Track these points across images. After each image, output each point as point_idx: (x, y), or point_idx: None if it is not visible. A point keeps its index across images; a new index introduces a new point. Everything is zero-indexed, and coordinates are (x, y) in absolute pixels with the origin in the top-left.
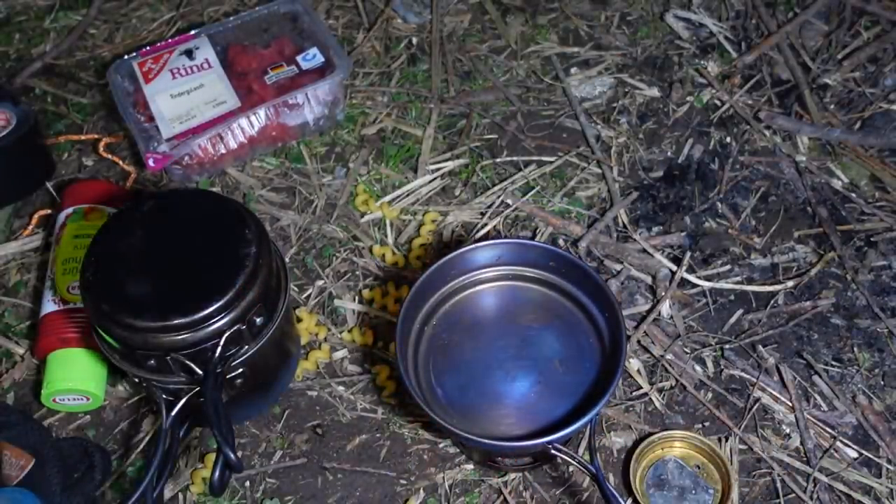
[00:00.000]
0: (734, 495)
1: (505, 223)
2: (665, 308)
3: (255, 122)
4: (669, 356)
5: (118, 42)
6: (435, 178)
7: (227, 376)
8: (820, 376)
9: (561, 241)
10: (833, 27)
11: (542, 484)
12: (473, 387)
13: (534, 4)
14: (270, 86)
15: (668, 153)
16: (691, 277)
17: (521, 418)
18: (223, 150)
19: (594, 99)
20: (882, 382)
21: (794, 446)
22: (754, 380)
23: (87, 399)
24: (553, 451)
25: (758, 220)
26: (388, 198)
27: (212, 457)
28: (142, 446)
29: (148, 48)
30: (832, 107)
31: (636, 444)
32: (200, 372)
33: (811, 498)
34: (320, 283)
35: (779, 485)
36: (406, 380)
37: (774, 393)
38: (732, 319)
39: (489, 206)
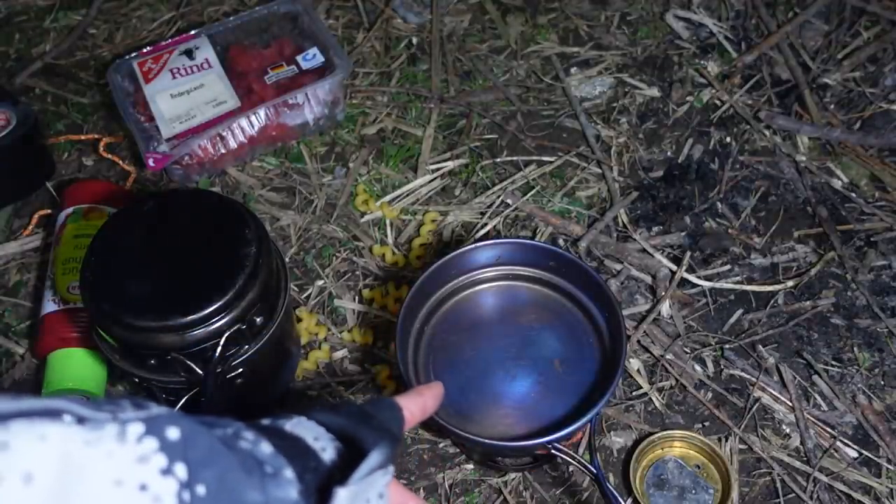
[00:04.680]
0: (734, 495)
1: (505, 223)
2: (665, 308)
3: (255, 122)
4: (669, 356)
5: (118, 42)
6: (435, 178)
7: (227, 376)
8: (820, 376)
9: (561, 241)
10: (833, 27)
11: (542, 484)
12: (473, 387)
13: (534, 4)
14: (270, 86)
15: (668, 153)
16: (691, 277)
17: (521, 418)
18: (223, 150)
19: (594, 99)
20: (882, 382)
21: (794, 446)
22: (754, 380)
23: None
24: (553, 451)
25: (758, 220)
26: (388, 198)
27: None
28: None
29: (148, 48)
30: (832, 107)
31: (636, 444)
32: (200, 372)
33: (811, 498)
34: (320, 283)
35: (779, 485)
36: (406, 380)
37: (774, 393)
38: (732, 319)
39: (489, 206)
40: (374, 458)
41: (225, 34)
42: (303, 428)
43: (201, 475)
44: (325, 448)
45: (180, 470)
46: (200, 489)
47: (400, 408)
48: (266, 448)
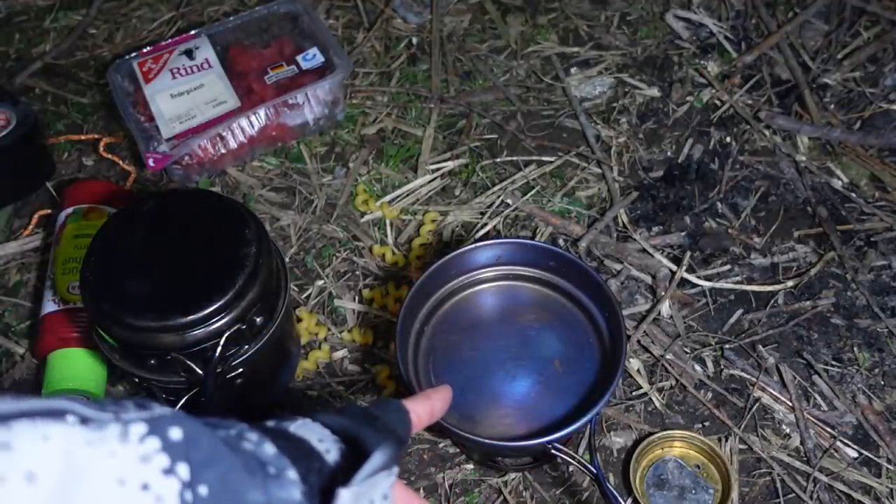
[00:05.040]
0: (734, 495)
1: (505, 223)
2: (665, 308)
3: (255, 122)
4: (669, 356)
5: (118, 42)
6: (435, 178)
7: (227, 376)
8: (820, 376)
9: (561, 241)
10: (833, 27)
11: (542, 484)
12: (473, 387)
13: (534, 4)
14: (270, 86)
15: (668, 153)
16: (691, 277)
17: (521, 418)
18: (223, 150)
19: (594, 99)
20: (882, 382)
21: (794, 446)
22: (754, 380)
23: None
24: (553, 451)
25: (758, 220)
26: (388, 198)
27: None
28: None
29: (148, 48)
30: (832, 107)
31: (636, 444)
32: (200, 372)
33: (811, 498)
34: (320, 283)
35: (779, 485)
36: (406, 380)
37: (774, 393)
38: (732, 319)
39: (489, 206)
40: (377, 458)
41: (225, 34)
42: (307, 429)
43: (204, 475)
44: (330, 449)
45: (182, 470)
46: (203, 489)
47: (407, 410)
48: (269, 449)
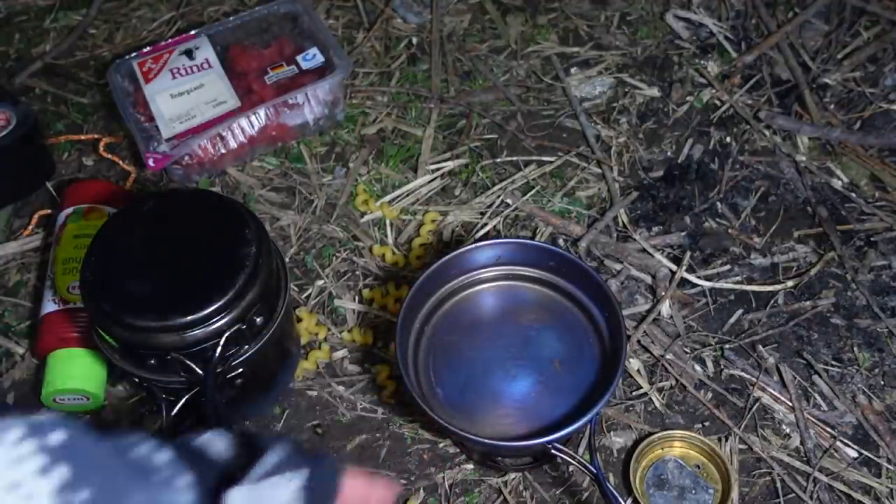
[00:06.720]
0: (734, 495)
1: (505, 223)
2: (665, 308)
3: (255, 122)
4: (669, 356)
5: (118, 42)
6: (435, 178)
7: (227, 376)
8: (820, 376)
9: (561, 241)
10: (833, 27)
11: (542, 484)
12: (473, 387)
13: (534, 4)
14: (270, 86)
15: (668, 153)
16: (691, 277)
17: (521, 418)
18: (223, 150)
19: (594, 99)
20: (882, 382)
21: (794, 446)
22: (754, 380)
23: (87, 399)
24: (553, 451)
25: (758, 220)
26: (388, 198)
27: None
28: None
29: (148, 48)
30: (832, 107)
31: (636, 444)
32: (200, 372)
33: (811, 498)
34: (320, 283)
35: (779, 484)
36: (406, 380)
37: (774, 393)
38: (732, 319)
39: (489, 206)
40: (271, 458)
41: (225, 34)
42: (213, 437)
43: (86, 478)
44: (232, 455)
45: (61, 472)
46: (84, 492)
47: (342, 468)
48: (164, 456)
